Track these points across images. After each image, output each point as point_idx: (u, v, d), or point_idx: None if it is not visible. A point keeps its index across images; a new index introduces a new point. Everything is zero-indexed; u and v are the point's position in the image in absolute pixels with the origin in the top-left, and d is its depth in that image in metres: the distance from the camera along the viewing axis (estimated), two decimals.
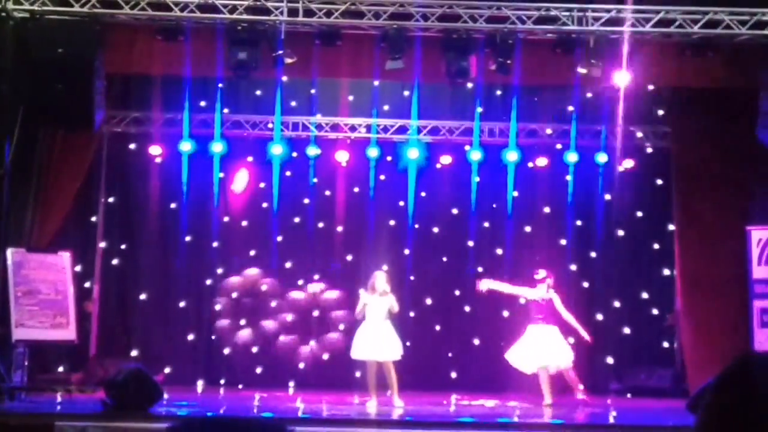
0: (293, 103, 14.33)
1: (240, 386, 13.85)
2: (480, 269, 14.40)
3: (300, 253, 14.51)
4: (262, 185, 14.47)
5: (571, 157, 14.24)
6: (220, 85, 13.70)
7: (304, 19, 11.07)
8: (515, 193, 14.30)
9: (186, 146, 13.98)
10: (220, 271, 14.49)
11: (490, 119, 14.38)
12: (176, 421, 6.26)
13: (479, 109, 14.13)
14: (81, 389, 11.83)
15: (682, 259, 13.24)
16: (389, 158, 14.58)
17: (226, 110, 14.17)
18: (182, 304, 14.26)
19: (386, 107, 14.52)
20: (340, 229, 14.61)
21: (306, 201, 14.53)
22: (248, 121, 14.43)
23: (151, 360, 13.21)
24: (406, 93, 14.22)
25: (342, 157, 14.56)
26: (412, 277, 14.28)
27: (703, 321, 12.66)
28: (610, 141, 14.24)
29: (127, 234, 14.40)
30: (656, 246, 14.52)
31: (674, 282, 13.90)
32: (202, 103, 14.06)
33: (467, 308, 14.40)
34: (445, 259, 14.63)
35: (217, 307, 14.41)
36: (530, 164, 14.55)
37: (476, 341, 14.33)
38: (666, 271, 14.40)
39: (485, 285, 11.90)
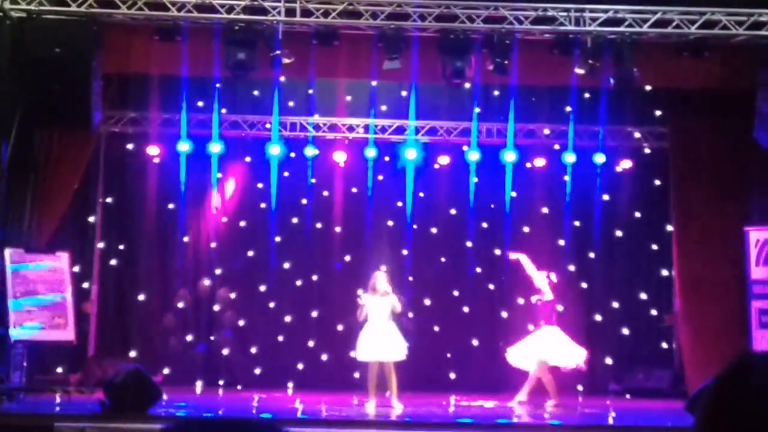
0: (291, 104, 14.32)
1: (239, 387, 13.85)
2: (478, 270, 14.42)
3: (298, 253, 14.50)
4: (260, 186, 14.46)
5: (569, 158, 14.23)
6: (217, 85, 13.67)
7: (302, 19, 11.07)
8: (513, 194, 14.28)
9: (184, 146, 13.96)
10: (218, 271, 14.48)
11: (488, 120, 14.37)
12: (169, 422, 6.23)
13: (477, 110, 14.12)
14: (80, 390, 11.83)
15: (680, 259, 13.26)
16: (387, 158, 14.57)
17: (223, 110, 14.15)
18: (180, 304, 14.26)
19: (384, 107, 14.51)
20: (338, 229, 14.59)
21: (304, 201, 14.51)
22: (246, 121, 14.42)
23: (150, 361, 13.22)
24: (404, 93, 14.21)
25: (340, 157, 14.55)
26: (410, 278, 14.27)
27: (702, 322, 12.67)
28: (607, 141, 14.26)
29: (125, 234, 14.39)
30: (654, 247, 14.53)
31: (672, 283, 13.90)
32: (200, 104, 14.04)
33: (466, 309, 14.40)
34: (443, 259, 14.62)
35: (216, 308, 14.40)
36: (528, 165, 14.55)
37: (475, 342, 14.31)
38: (664, 272, 14.40)
39: (516, 256, 11.86)
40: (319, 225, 14.55)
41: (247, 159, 14.61)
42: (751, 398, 1.61)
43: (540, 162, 14.58)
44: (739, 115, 11.93)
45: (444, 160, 14.53)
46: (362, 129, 14.51)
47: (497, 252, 14.46)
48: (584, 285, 14.44)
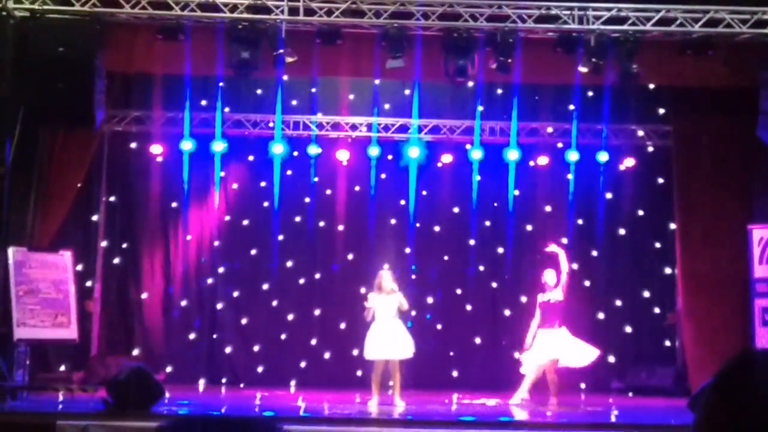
0: (294, 102, 14.33)
1: (241, 385, 13.87)
2: (481, 268, 14.42)
3: (301, 252, 14.51)
4: (263, 184, 14.47)
5: (572, 156, 14.23)
6: (220, 84, 13.70)
7: (305, 17, 11.07)
8: (516, 192, 14.29)
9: (187, 145, 13.97)
10: (221, 270, 14.49)
11: (491, 118, 14.37)
12: (167, 420, 6.25)
13: (480, 108, 14.12)
14: (82, 388, 11.82)
15: (683, 257, 13.24)
16: (390, 157, 14.57)
17: (226, 109, 14.16)
18: (184, 303, 14.28)
19: (387, 106, 14.52)
20: (341, 228, 14.60)
21: (307, 200, 14.53)
22: (249, 120, 14.42)
23: (153, 359, 13.23)
24: (407, 92, 14.22)
25: (343, 156, 14.56)
26: (413, 276, 14.27)
27: (705, 320, 12.66)
28: (611, 139, 14.25)
29: (128, 233, 14.40)
30: (657, 245, 14.52)
31: (675, 281, 13.89)
32: (203, 102, 14.06)
33: (468, 307, 14.40)
34: (446, 258, 14.62)
35: (219, 306, 14.42)
36: (531, 163, 14.54)
37: (477, 340, 14.33)
38: (667, 270, 14.39)
39: (555, 249, 11.91)
40: (322, 223, 14.56)
41: (250, 158, 14.61)
42: (751, 394, 1.61)
43: (543, 160, 14.57)
44: (742, 113, 11.91)
45: (447, 158, 14.53)
46: (365, 127, 14.51)
47: (500, 250, 14.47)
48: (587, 283, 14.43)
